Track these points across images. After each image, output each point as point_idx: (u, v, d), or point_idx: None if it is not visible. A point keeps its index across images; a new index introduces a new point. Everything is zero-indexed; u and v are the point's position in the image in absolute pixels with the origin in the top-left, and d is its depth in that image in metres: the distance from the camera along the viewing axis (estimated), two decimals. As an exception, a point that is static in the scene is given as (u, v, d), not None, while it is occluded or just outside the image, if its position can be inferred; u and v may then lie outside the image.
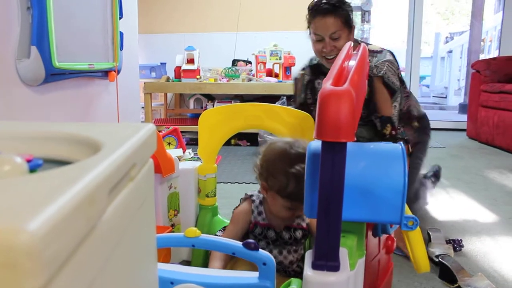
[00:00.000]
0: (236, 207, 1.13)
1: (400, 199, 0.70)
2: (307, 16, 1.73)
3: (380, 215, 0.71)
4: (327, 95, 0.60)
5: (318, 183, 0.64)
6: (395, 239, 0.94)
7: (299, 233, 1.08)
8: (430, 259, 1.32)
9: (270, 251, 1.02)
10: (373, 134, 1.62)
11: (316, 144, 0.74)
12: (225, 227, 1.18)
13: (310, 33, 1.72)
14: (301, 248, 1.10)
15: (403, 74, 5.23)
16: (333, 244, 0.65)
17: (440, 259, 1.27)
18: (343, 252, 0.69)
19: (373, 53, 1.74)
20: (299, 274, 1.05)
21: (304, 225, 1.09)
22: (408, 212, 0.75)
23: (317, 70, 1.84)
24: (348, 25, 1.68)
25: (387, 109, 1.56)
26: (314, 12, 1.69)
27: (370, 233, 0.83)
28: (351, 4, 1.73)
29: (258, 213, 1.08)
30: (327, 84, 0.64)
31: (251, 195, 1.12)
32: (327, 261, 0.65)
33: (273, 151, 1.03)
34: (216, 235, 1.13)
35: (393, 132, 1.53)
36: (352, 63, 0.83)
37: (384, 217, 0.72)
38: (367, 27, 6.57)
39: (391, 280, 1.02)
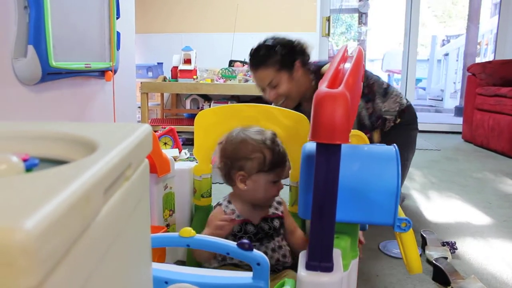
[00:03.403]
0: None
1: (393, 201, 0.71)
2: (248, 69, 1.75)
3: (373, 216, 0.72)
4: (322, 97, 0.61)
5: (312, 184, 0.64)
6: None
7: (277, 222, 1.09)
8: (428, 262, 1.33)
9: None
10: None
11: (310, 146, 0.74)
12: None
13: None
14: (284, 244, 1.10)
15: (399, 76, 5.24)
16: (327, 245, 0.66)
17: (434, 261, 1.28)
18: (337, 253, 0.70)
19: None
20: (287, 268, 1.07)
21: (279, 213, 1.11)
22: (401, 214, 0.76)
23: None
24: (286, 67, 1.67)
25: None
26: (249, 66, 1.74)
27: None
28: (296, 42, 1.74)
29: (231, 212, 1.08)
30: (322, 87, 0.65)
31: (218, 203, 1.13)
32: (321, 261, 0.66)
33: (234, 142, 1.07)
34: None
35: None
36: (348, 65, 0.83)
37: (377, 218, 0.73)
38: (364, 29, 6.60)
39: (356, 271, 1.02)
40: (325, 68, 1.73)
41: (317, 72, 1.75)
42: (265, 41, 1.75)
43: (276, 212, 1.11)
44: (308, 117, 1.64)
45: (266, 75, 1.67)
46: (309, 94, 1.69)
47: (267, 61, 1.67)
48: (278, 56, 1.68)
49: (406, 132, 1.86)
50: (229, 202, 1.10)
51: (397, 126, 1.82)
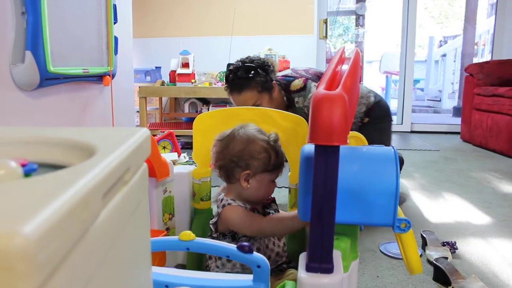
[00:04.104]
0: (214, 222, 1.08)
1: (393, 202, 0.71)
2: (225, 89, 1.82)
3: (373, 217, 0.72)
4: (320, 99, 0.61)
5: (311, 186, 0.64)
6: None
7: (274, 206, 1.14)
8: (429, 262, 1.33)
9: (265, 245, 1.05)
10: None
11: (309, 148, 0.74)
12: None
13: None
14: (282, 237, 1.11)
15: (397, 78, 5.26)
16: (327, 247, 0.66)
17: (434, 261, 1.28)
18: (337, 255, 0.70)
19: (296, 92, 1.80)
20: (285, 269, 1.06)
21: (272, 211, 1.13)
22: (400, 214, 0.76)
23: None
24: (266, 89, 1.76)
25: None
26: (229, 88, 1.79)
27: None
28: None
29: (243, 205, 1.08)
30: (320, 88, 0.65)
31: (222, 203, 1.07)
32: (321, 263, 0.66)
33: (241, 141, 1.06)
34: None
35: None
36: (345, 67, 0.84)
37: (376, 219, 0.73)
38: (362, 31, 6.61)
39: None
40: (294, 83, 1.81)
41: (287, 88, 1.84)
42: (242, 64, 1.79)
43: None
44: None
45: (250, 97, 1.74)
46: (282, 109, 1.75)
47: (250, 83, 1.74)
48: (259, 78, 1.74)
49: (377, 128, 1.87)
50: (233, 200, 1.07)
51: (366, 125, 1.84)
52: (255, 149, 1.05)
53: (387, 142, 1.89)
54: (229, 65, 1.85)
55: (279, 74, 1.95)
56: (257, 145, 1.05)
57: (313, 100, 0.62)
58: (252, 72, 1.75)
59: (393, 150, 0.77)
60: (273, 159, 1.05)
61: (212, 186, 1.30)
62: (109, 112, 2.17)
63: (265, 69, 1.78)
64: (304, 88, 1.80)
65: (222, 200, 1.08)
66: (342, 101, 0.60)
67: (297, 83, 1.82)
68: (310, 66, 2.09)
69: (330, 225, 0.65)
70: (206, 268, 1.09)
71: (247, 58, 1.84)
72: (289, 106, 1.88)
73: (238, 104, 1.79)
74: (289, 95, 1.86)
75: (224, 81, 1.82)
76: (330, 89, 0.65)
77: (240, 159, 1.05)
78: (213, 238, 1.07)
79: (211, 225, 1.09)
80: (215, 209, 1.14)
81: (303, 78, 1.85)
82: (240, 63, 1.80)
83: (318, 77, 1.88)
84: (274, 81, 1.80)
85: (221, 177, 1.12)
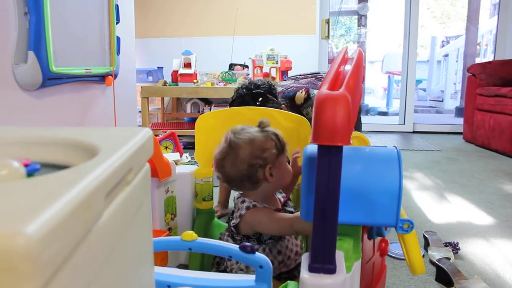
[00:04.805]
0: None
1: (396, 202, 0.71)
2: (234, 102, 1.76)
3: (375, 218, 0.72)
4: (323, 99, 0.61)
5: (314, 186, 0.64)
6: (388, 241, 0.95)
7: (291, 203, 1.17)
8: (431, 262, 1.33)
9: (285, 246, 1.06)
10: None
11: (312, 148, 0.74)
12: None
13: None
14: (298, 238, 1.12)
15: (399, 78, 5.25)
16: (330, 247, 0.66)
17: (437, 262, 1.27)
18: (340, 255, 0.70)
19: (302, 105, 1.83)
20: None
21: (282, 199, 1.15)
22: (403, 215, 0.75)
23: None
24: (276, 107, 1.76)
25: None
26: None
27: (365, 236, 0.83)
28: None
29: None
30: (323, 89, 0.65)
31: (246, 206, 1.06)
32: (324, 264, 0.66)
33: (246, 144, 1.04)
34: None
35: None
36: (348, 67, 0.83)
37: (379, 220, 0.72)
38: (364, 31, 6.60)
39: (384, 282, 1.02)
40: (298, 97, 1.83)
41: (293, 104, 1.88)
42: (248, 90, 1.74)
43: (281, 198, 1.14)
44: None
45: None
46: None
47: (269, 102, 1.72)
48: (270, 105, 1.71)
49: None
50: (256, 202, 1.06)
51: None
52: (261, 142, 1.04)
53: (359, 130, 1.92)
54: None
55: None
56: (259, 138, 1.05)
57: (316, 100, 0.61)
58: (260, 99, 1.72)
59: (396, 150, 0.77)
60: (278, 141, 1.05)
61: (214, 186, 1.30)
62: (112, 112, 2.17)
63: (273, 93, 1.76)
64: (308, 98, 1.83)
65: (244, 201, 1.06)
66: (345, 101, 0.60)
67: (300, 96, 1.85)
68: (308, 67, 2.10)
69: (333, 226, 0.65)
70: (226, 270, 1.07)
71: (249, 83, 1.77)
72: None
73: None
74: (296, 110, 1.86)
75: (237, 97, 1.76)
76: (333, 89, 0.64)
77: (257, 158, 1.03)
78: (235, 240, 1.07)
79: (232, 227, 1.07)
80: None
81: (304, 88, 1.87)
82: (244, 90, 1.74)
83: (314, 84, 1.88)
84: (283, 105, 1.77)
85: (244, 189, 1.09)
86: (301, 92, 1.86)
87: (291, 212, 1.11)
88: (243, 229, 1.05)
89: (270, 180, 1.04)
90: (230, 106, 1.77)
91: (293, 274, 1.07)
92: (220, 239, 1.12)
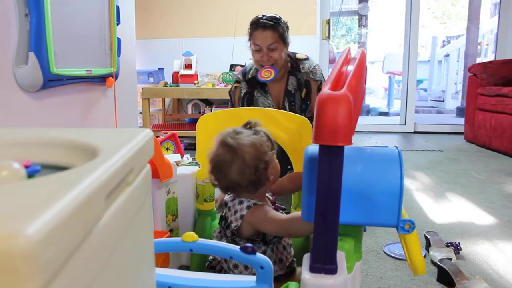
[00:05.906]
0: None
1: (397, 203, 0.70)
2: (249, 30, 2.08)
3: (377, 218, 0.72)
4: (325, 99, 0.61)
5: (315, 186, 0.64)
6: None
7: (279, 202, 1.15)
8: (432, 263, 1.33)
9: (282, 247, 1.05)
10: None
11: (313, 148, 0.74)
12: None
13: (250, 45, 2.07)
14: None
15: (400, 78, 5.26)
16: (331, 247, 0.66)
17: (438, 262, 1.27)
18: (341, 255, 0.70)
19: (302, 60, 2.09)
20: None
21: (271, 197, 1.14)
22: (404, 215, 0.75)
23: (253, 83, 2.10)
24: (284, 40, 2.01)
25: None
26: (256, 25, 2.03)
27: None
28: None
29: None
30: (325, 89, 0.64)
31: (247, 205, 1.03)
32: (325, 264, 0.65)
33: (249, 147, 1.00)
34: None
35: None
36: (350, 68, 0.83)
37: (381, 220, 0.72)
38: (364, 31, 6.60)
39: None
40: (299, 55, 2.10)
41: (293, 56, 2.11)
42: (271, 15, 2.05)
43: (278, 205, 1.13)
44: (273, 98, 1.87)
45: (272, 36, 1.97)
46: (281, 74, 2.04)
47: (276, 26, 1.98)
48: (284, 29, 2.02)
49: None
50: (255, 201, 1.04)
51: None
52: (261, 144, 1.01)
53: None
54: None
55: None
56: (258, 140, 1.02)
57: (318, 100, 0.61)
58: (280, 20, 2.03)
59: (397, 150, 0.77)
60: (269, 140, 1.04)
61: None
62: (112, 113, 2.17)
63: (287, 26, 2.06)
64: (307, 59, 2.09)
65: (242, 202, 1.02)
66: (347, 102, 0.60)
67: (301, 55, 2.11)
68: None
69: (334, 226, 0.65)
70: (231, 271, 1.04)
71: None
72: (291, 71, 2.07)
73: (258, 40, 1.99)
74: (295, 63, 2.10)
75: (250, 23, 2.05)
76: (335, 89, 0.64)
77: (261, 161, 1.00)
78: (235, 243, 0.97)
79: (234, 230, 1.02)
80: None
81: (304, 54, 2.14)
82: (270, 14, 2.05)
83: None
84: (289, 42, 2.05)
85: (245, 193, 1.04)
86: (302, 54, 2.14)
87: (283, 210, 1.11)
88: (245, 230, 1.01)
89: (270, 180, 1.04)
90: (252, 22, 2.04)
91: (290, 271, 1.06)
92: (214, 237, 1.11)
